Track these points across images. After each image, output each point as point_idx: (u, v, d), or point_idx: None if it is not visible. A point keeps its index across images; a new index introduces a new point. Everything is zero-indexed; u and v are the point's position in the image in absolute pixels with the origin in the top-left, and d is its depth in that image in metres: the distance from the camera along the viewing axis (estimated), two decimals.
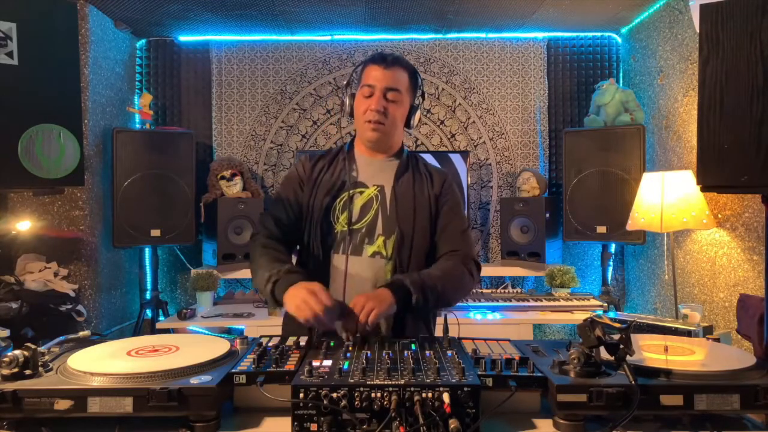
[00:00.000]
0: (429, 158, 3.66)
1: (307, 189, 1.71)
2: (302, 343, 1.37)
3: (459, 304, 3.22)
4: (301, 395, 1.04)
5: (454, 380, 1.07)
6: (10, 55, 1.81)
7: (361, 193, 1.69)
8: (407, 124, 1.74)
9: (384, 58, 1.67)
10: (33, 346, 1.18)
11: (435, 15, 3.52)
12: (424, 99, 1.78)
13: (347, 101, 1.74)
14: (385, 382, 1.06)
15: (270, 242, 1.72)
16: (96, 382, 1.12)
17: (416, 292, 1.49)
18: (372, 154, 1.76)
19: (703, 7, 1.35)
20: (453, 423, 1.00)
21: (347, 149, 1.78)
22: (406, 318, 1.60)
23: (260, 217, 1.84)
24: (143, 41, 3.94)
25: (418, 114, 1.74)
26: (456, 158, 3.71)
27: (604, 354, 1.17)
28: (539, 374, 1.16)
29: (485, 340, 1.42)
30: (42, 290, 2.86)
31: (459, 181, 3.64)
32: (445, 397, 1.03)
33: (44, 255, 3.08)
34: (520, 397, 1.15)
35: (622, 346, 1.14)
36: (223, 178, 3.55)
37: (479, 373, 1.14)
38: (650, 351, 1.31)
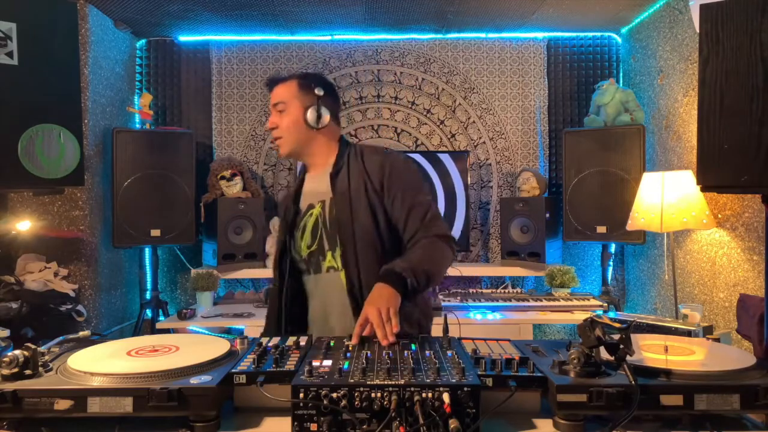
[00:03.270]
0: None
1: (282, 227, 1.83)
2: (302, 343, 1.37)
3: (459, 304, 3.23)
4: (301, 395, 1.04)
5: (454, 380, 1.07)
6: (10, 55, 1.82)
7: (311, 215, 1.75)
8: (309, 125, 1.71)
9: (267, 83, 1.78)
10: (33, 346, 1.18)
11: (435, 15, 3.52)
12: (324, 93, 1.73)
13: None
14: (385, 382, 1.06)
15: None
16: (96, 382, 1.12)
17: (409, 276, 1.51)
18: (313, 170, 1.80)
19: (703, 7, 1.35)
20: (453, 423, 1.00)
21: (301, 174, 1.85)
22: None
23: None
24: (143, 41, 3.94)
25: (310, 111, 1.70)
26: (456, 158, 3.72)
27: (604, 354, 1.17)
28: (539, 374, 1.16)
29: (485, 340, 1.42)
30: (42, 290, 2.86)
31: (463, 178, 3.65)
32: (445, 397, 1.03)
33: (44, 255, 3.08)
34: (520, 397, 1.15)
35: (622, 346, 1.14)
36: (223, 178, 3.55)
37: (479, 373, 1.14)
38: (650, 351, 1.31)
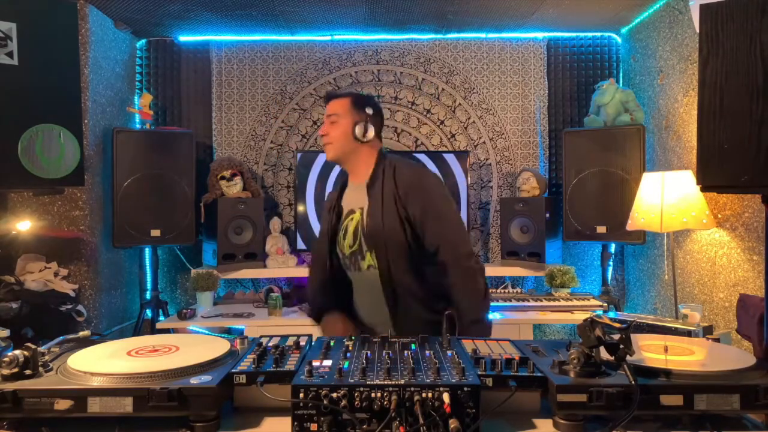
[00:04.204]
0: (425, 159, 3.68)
1: (326, 225, 2.06)
2: (302, 342, 1.38)
3: None
4: (301, 395, 1.04)
5: (454, 380, 1.07)
6: (10, 55, 1.82)
7: (352, 219, 1.97)
8: (356, 138, 1.93)
9: (325, 97, 2.06)
10: (33, 346, 1.18)
11: (435, 15, 3.52)
12: (374, 113, 1.98)
13: None
14: (385, 382, 1.06)
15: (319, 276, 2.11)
16: (96, 382, 1.12)
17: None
18: (354, 178, 2.01)
19: (703, 7, 1.35)
20: (453, 423, 1.00)
21: (343, 179, 2.08)
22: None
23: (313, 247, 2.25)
24: (143, 41, 3.94)
25: (359, 126, 1.93)
26: (456, 158, 3.72)
27: (604, 354, 1.17)
28: (539, 374, 1.16)
29: (485, 340, 1.42)
30: (42, 290, 2.86)
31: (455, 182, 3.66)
32: (445, 397, 1.03)
33: (44, 255, 3.08)
34: (520, 397, 1.15)
35: (622, 346, 1.14)
36: (223, 178, 3.55)
37: (479, 373, 1.14)
38: (650, 351, 1.31)
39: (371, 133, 1.95)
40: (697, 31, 1.39)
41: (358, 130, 1.93)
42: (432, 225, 1.86)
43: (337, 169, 3.69)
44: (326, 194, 3.68)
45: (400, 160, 1.99)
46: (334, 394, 1.04)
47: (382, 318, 1.91)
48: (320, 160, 3.72)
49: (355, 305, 2.04)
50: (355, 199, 1.99)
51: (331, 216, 2.04)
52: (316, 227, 3.72)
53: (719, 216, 2.73)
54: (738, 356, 1.30)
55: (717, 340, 1.48)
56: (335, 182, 2.13)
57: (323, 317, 2.04)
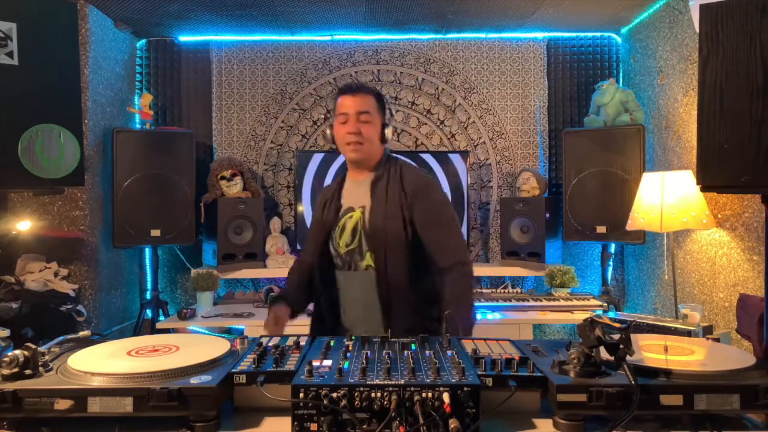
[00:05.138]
0: (430, 159, 3.69)
1: (320, 220, 2.00)
2: (302, 342, 1.38)
3: None
4: (301, 395, 1.04)
5: (454, 380, 1.07)
6: (10, 55, 1.82)
7: (351, 217, 1.92)
8: (383, 140, 1.93)
9: (350, 87, 1.92)
10: (33, 346, 1.18)
11: (435, 15, 3.52)
12: (392, 116, 1.96)
13: (328, 132, 1.99)
14: (385, 382, 1.06)
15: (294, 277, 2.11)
16: (96, 382, 1.12)
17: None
18: (357, 175, 1.97)
19: (703, 7, 1.35)
20: (453, 423, 1.00)
21: (344, 174, 2.02)
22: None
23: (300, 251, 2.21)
24: (143, 41, 3.94)
25: (389, 130, 1.94)
26: (456, 158, 3.72)
27: (604, 354, 1.18)
28: (539, 374, 1.16)
29: (485, 340, 1.42)
30: (42, 290, 2.86)
31: (458, 181, 3.66)
32: (445, 397, 1.03)
33: (44, 255, 3.08)
34: (520, 397, 1.15)
35: (622, 346, 1.14)
36: (223, 178, 3.55)
37: (479, 373, 1.14)
38: (650, 351, 1.31)
39: (390, 135, 1.97)
40: (697, 31, 1.39)
41: (389, 133, 1.93)
42: (434, 232, 1.85)
43: (334, 168, 3.69)
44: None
45: (406, 163, 1.97)
46: (334, 394, 1.04)
47: (373, 323, 1.84)
48: (316, 159, 3.72)
49: (343, 309, 1.95)
50: (356, 197, 1.94)
51: (329, 212, 1.97)
52: None
53: (719, 216, 2.73)
54: (738, 356, 1.30)
55: (717, 340, 1.48)
56: (334, 176, 2.08)
57: (275, 305, 1.93)
